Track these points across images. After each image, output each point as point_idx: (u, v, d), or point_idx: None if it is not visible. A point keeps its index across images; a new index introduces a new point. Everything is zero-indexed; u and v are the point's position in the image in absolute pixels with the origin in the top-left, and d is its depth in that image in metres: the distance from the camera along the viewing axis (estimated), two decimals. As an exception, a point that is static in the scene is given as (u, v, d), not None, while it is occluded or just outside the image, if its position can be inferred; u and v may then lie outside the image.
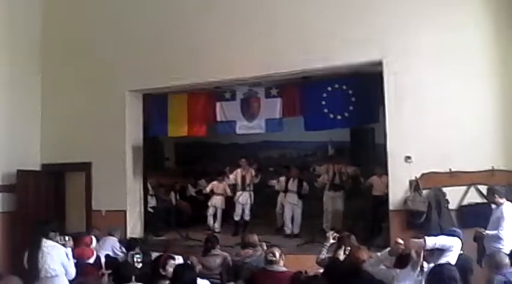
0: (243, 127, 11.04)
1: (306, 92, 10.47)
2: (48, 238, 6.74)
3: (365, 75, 9.80)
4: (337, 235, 6.77)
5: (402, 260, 4.96)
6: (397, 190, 8.85)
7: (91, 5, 11.84)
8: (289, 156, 16.17)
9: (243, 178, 12.09)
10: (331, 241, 6.72)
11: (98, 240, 8.76)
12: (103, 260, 8.27)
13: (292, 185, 11.58)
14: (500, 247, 6.83)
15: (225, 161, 14.46)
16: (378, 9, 9.16)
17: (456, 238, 4.95)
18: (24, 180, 11.09)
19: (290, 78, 10.41)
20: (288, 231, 11.37)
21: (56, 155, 11.57)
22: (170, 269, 5.57)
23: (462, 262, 5.23)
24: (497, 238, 6.90)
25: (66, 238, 6.99)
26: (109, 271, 7.51)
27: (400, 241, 5.14)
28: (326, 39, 9.46)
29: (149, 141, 11.69)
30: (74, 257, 6.98)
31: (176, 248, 9.39)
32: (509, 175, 8.10)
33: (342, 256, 6.28)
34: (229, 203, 12.60)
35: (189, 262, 7.19)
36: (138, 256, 7.48)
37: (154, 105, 11.67)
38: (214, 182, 12.77)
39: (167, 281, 5.44)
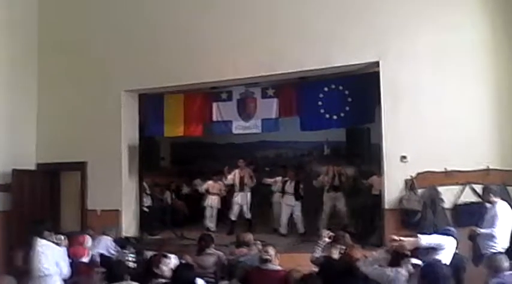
0: (239, 127, 11.01)
1: (303, 92, 10.44)
2: (42, 237, 6.74)
3: (361, 75, 9.80)
4: (332, 234, 6.77)
5: (397, 259, 4.96)
6: (393, 190, 8.87)
7: (87, 5, 11.82)
8: (285, 156, 16.19)
9: (241, 178, 12.09)
10: (326, 239, 6.73)
11: (92, 239, 8.74)
12: (98, 259, 8.26)
13: (290, 187, 11.58)
14: (494, 245, 6.87)
15: (221, 161, 14.47)
16: (374, 11, 9.20)
17: (451, 238, 4.97)
18: (20, 179, 11.07)
19: (287, 79, 10.43)
20: (283, 231, 11.38)
21: (51, 154, 11.55)
22: (164, 268, 5.58)
23: (455, 260, 5.25)
24: (492, 237, 6.91)
25: (61, 237, 6.98)
26: (103, 270, 7.48)
27: (395, 237, 5.16)
28: (323, 40, 9.49)
29: (145, 141, 11.70)
30: (68, 256, 6.97)
31: (171, 247, 9.39)
32: (503, 174, 8.12)
33: (336, 255, 6.29)
34: (225, 202, 12.60)
35: (183, 261, 7.19)
36: (131, 255, 7.49)
37: (151, 105, 11.64)
38: (210, 182, 12.78)
39: (161, 280, 5.43)
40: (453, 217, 8.31)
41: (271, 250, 6.29)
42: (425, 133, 8.62)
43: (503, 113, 8.34)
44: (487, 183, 7.63)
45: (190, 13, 10.60)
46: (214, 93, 11.20)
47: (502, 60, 8.41)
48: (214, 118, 11.11)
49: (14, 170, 10.98)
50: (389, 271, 4.77)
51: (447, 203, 8.45)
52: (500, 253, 6.23)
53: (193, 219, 13.24)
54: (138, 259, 7.64)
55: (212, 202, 12.59)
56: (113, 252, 8.89)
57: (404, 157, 8.76)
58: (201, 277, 6.15)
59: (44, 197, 11.63)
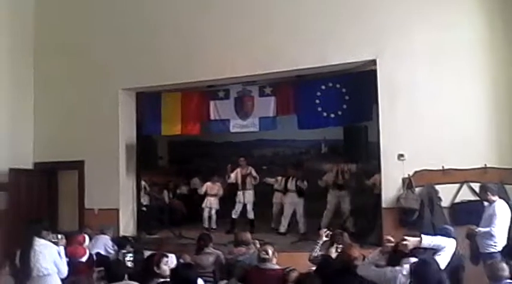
0: (236, 125, 11.01)
1: (300, 91, 10.44)
2: (40, 236, 6.69)
3: (358, 73, 9.82)
4: (330, 233, 6.79)
5: (395, 258, 4.96)
6: (390, 188, 8.89)
7: (84, 4, 11.82)
8: (283, 154, 16.16)
9: (243, 177, 12.05)
10: (324, 238, 6.74)
11: (90, 239, 8.73)
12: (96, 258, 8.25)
13: (291, 184, 11.53)
14: (493, 244, 6.88)
15: (219, 159, 14.44)
16: (371, 9, 9.21)
17: (452, 240, 4.96)
18: (17, 178, 11.08)
19: (284, 77, 10.42)
20: (282, 230, 11.34)
21: (48, 153, 11.55)
22: (164, 267, 5.56)
23: (455, 259, 5.23)
24: (490, 236, 6.92)
25: (59, 236, 6.95)
26: (101, 269, 7.48)
27: (391, 238, 5.16)
28: (320, 38, 9.51)
29: (142, 140, 11.68)
30: (66, 255, 6.95)
31: (169, 246, 9.40)
32: (501, 172, 8.14)
33: (334, 254, 6.30)
34: (224, 202, 12.58)
35: (181, 260, 7.19)
36: (129, 255, 7.48)
37: (148, 103, 11.63)
38: (208, 183, 12.70)
39: (162, 280, 5.43)
40: (451, 216, 8.33)
41: (270, 249, 6.30)
42: (422, 131, 8.64)
43: (500, 111, 8.36)
44: (485, 181, 7.62)
45: (187, 12, 10.61)
46: (211, 91, 11.19)
47: (499, 58, 8.43)
48: (212, 117, 11.11)
49: (10, 169, 10.97)
50: (389, 271, 4.77)
51: (445, 201, 8.47)
52: (499, 259, 6.23)
53: (191, 218, 13.20)
54: (137, 258, 7.62)
55: (211, 203, 12.51)
56: (110, 251, 8.89)
57: (401, 155, 8.77)
58: (200, 277, 6.15)
59: (42, 196, 11.64)
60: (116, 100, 11.25)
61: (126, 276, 6.16)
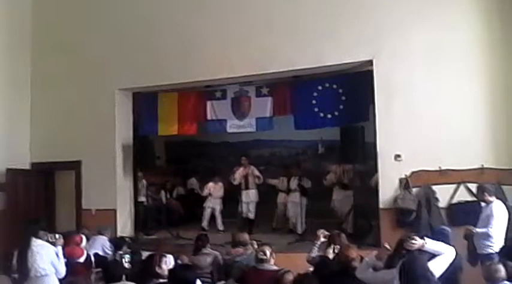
0: (233, 126, 11.02)
1: (297, 91, 10.46)
2: (37, 237, 6.70)
3: (355, 73, 9.83)
4: (327, 234, 6.79)
5: (393, 260, 4.97)
6: (387, 189, 8.91)
7: (81, 4, 11.82)
8: (280, 155, 16.16)
9: (246, 176, 12.03)
10: (322, 239, 6.75)
11: (88, 239, 8.73)
12: (93, 259, 8.25)
13: (293, 184, 11.49)
14: (490, 245, 6.89)
15: (216, 160, 14.44)
16: (368, 9, 9.23)
17: (452, 249, 4.98)
18: (14, 178, 11.08)
19: (281, 77, 10.43)
20: (299, 230, 11.09)
21: (45, 153, 11.54)
22: (164, 267, 5.57)
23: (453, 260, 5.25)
24: (487, 236, 6.92)
25: (57, 236, 6.95)
26: (99, 270, 7.48)
27: (388, 246, 5.21)
28: (317, 38, 9.53)
29: (139, 140, 11.64)
30: (64, 256, 6.95)
31: (167, 247, 9.37)
32: (498, 173, 8.16)
33: (331, 255, 6.30)
34: (224, 203, 12.59)
35: (179, 261, 7.19)
36: (126, 256, 7.46)
37: (145, 103, 11.63)
38: (211, 183, 12.63)
39: (161, 280, 5.43)
40: (448, 216, 8.34)
41: (267, 250, 6.30)
42: (419, 131, 8.66)
43: (497, 112, 8.38)
44: (482, 182, 7.63)
45: (184, 12, 10.61)
46: (208, 91, 11.20)
47: (497, 59, 8.45)
48: (209, 117, 11.12)
49: (8, 169, 10.98)
50: (389, 274, 4.78)
51: (442, 202, 8.48)
52: (497, 260, 6.24)
53: (188, 219, 13.20)
54: (134, 259, 7.62)
55: (214, 204, 12.45)
56: (108, 252, 8.88)
57: (398, 155, 8.80)
58: (198, 277, 6.15)
59: (39, 196, 11.64)
60: (113, 100, 11.27)
61: (124, 277, 6.15)
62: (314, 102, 10.16)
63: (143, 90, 11.50)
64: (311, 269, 6.24)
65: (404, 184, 8.72)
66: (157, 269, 5.54)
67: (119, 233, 10.62)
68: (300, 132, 11.67)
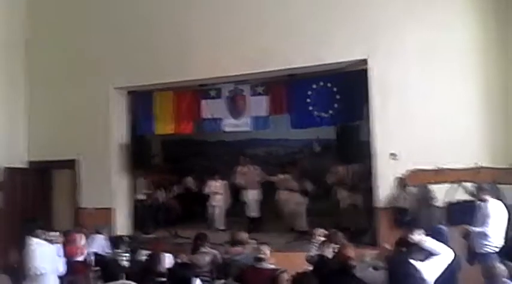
0: (229, 124, 11.01)
1: (292, 90, 10.44)
2: (35, 235, 6.72)
3: (350, 72, 9.84)
4: (326, 232, 6.82)
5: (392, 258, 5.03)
6: (383, 188, 8.94)
7: (77, 2, 11.83)
8: (276, 154, 16.14)
9: (246, 175, 12.04)
10: (320, 238, 6.78)
11: (86, 238, 8.73)
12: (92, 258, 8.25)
13: (294, 185, 11.48)
14: (488, 244, 6.93)
15: (212, 158, 14.43)
16: (362, 8, 9.26)
17: (451, 251, 5.02)
18: (11, 177, 11.09)
19: (276, 76, 10.42)
20: (299, 229, 11.07)
21: (43, 152, 11.54)
22: (164, 266, 5.61)
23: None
24: (484, 236, 6.96)
25: (56, 234, 6.97)
26: (97, 269, 7.49)
27: (387, 247, 5.25)
28: (312, 37, 9.54)
29: (136, 139, 11.67)
30: (64, 254, 6.97)
31: (165, 246, 9.38)
32: (494, 172, 8.19)
33: (330, 254, 6.33)
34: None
35: (178, 260, 7.22)
36: (125, 254, 7.48)
37: (140, 102, 11.63)
38: (212, 181, 12.63)
39: (161, 278, 5.47)
40: (445, 216, 8.35)
41: (266, 249, 6.34)
42: (414, 130, 8.70)
43: (493, 111, 8.43)
44: (478, 181, 7.69)
45: (179, 11, 10.62)
46: (203, 90, 11.18)
47: (492, 58, 8.50)
48: (204, 116, 11.10)
49: (5, 168, 11.00)
50: (385, 274, 4.84)
51: (438, 201, 8.50)
52: (495, 259, 6.28)
53: (186, 218, 13.19)
54: (133, 258, 7.64)
55: (216, 202, 12.39)
56: (107, 251, 8.89)
57: (393, 154, 8.82)
58: (196, 276, 6.18)
59: (36, 195, 11.62)
60: (108, 99, 11.28)
61: (123, 276, 6.18)
62: (309, 100, 10.16)
63: (138, 89, 11.52)
64: (310, 268, 6.27)
65: (401, 183, 8.76)
66: (159, 267, 5.58)
67: (117, 232, 10.61)
68: (296, 131, 11.71)
